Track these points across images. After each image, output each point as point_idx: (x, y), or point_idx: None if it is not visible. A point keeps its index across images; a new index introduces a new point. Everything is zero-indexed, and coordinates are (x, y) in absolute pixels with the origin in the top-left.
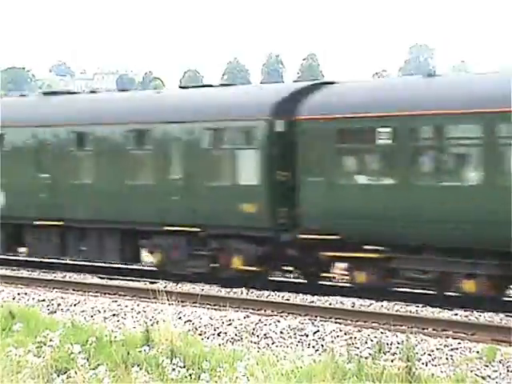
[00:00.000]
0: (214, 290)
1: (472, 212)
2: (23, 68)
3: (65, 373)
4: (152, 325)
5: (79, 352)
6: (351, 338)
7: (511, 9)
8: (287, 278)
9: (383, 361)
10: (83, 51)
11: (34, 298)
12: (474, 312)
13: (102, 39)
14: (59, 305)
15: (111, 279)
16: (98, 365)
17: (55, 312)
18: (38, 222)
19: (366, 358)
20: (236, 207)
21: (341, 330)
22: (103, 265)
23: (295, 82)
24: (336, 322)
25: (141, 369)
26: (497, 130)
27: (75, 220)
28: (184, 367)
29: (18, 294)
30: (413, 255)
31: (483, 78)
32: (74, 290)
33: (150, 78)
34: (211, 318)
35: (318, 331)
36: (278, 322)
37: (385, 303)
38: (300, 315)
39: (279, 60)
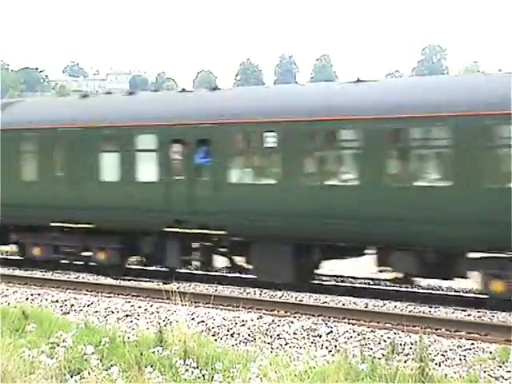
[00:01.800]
0: (227, 290)
1: None
2: (36, 68)
3: (78, 373)
4: (165, 325)
5: (92, 353)
6: (364, 338)
7: None
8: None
9: (396, 361)
10: (96, 52)
11: (47, 299)
12: (487, 313)
13: (115, 40)
14: (72, 305)
15: (124, 280)
16: (111, 365)
17: (68, 313)
18: None
19: (380, 358)
20: None
21: (354, 331)
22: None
23: None
24: (349, 323)
25: (154, 369)
26: None
27: None
28: (197, 368)
29: (32, 294)
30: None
31: None
32: (87, 290)
33: (164, 79)
34: (224, 319)
35: (332, 332)
36: (292, 322)
37: (398, 304)
38: (313, 316)
39: (292, 61)
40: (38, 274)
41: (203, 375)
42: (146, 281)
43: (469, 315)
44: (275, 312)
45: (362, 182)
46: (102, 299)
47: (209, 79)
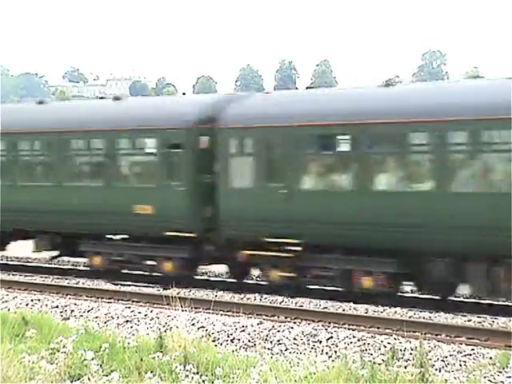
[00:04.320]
0: (227, 296)
1: None
2: (36, 74)
3: (78, 379)
4: (165, 331)
5: (92, 358)
6: (364, 344)
7: None
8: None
9: (396, 367)
10: (96, 57)
11: (47, 305)
12: (488, 318)
13: (115, 45)
14: (72, 311)
15: (124, 285)
16: (112, 371)
17: (68, 318)
18: None
19: (380, 364)
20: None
21: (354, 336)
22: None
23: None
24: (349, 329)
25: (154, 375)
26: None
27: None
28: (197, 373)
29: (32, 300)
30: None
31: None
32: (87, 296)
33: (163, 84)
34: (224, 325)
35: (332, 337)
36: (292, 328)
37: (398, 309)
38: (313, 321)
39: (292, 66)
40: (37, 279)
41: (203, 381)
42: (146, 286)
43: (469, 321)
44: (275, 317)
45: None
46: (102, 305)
47: (208, 85)
